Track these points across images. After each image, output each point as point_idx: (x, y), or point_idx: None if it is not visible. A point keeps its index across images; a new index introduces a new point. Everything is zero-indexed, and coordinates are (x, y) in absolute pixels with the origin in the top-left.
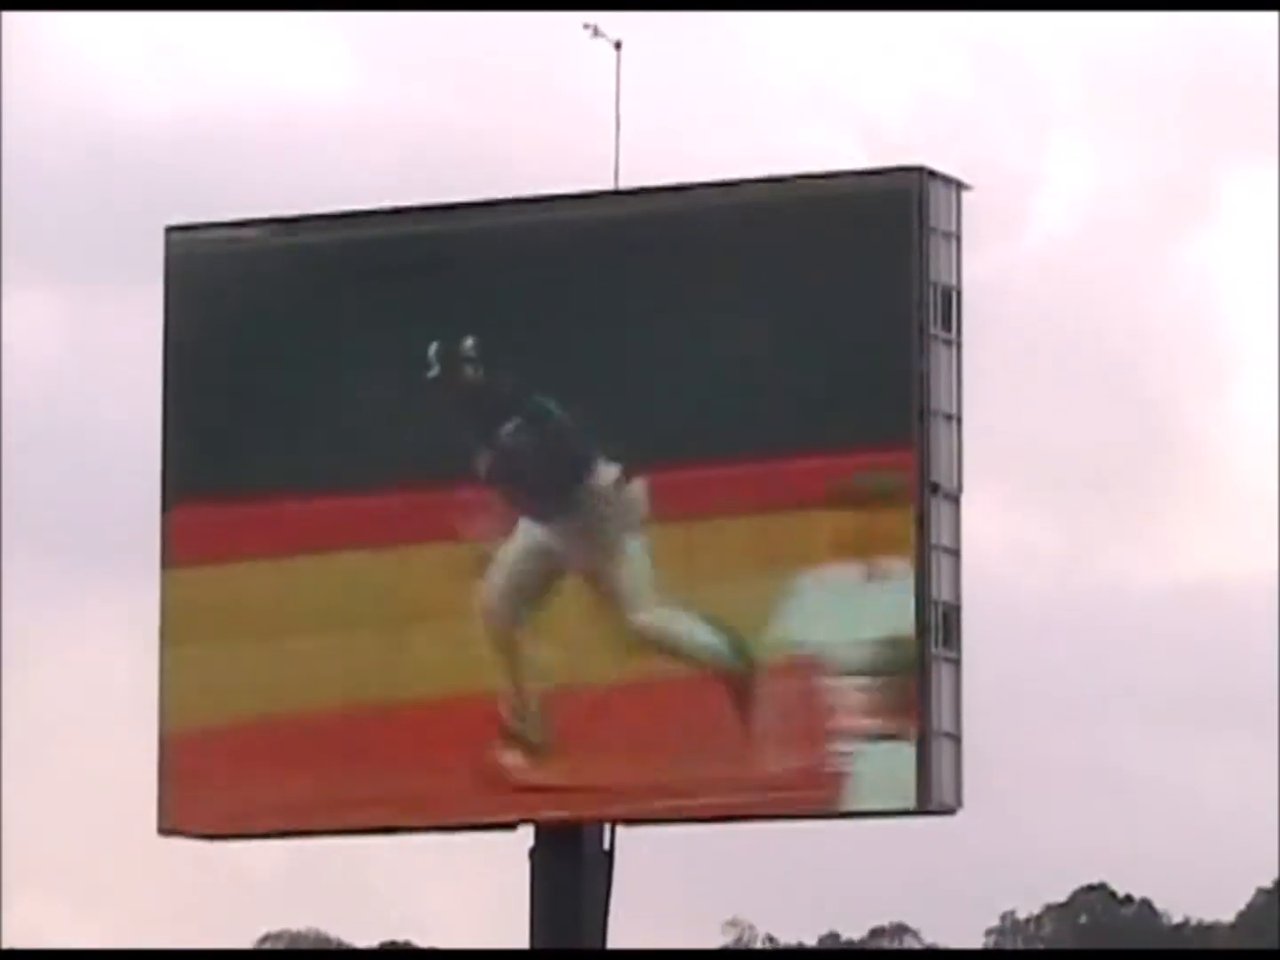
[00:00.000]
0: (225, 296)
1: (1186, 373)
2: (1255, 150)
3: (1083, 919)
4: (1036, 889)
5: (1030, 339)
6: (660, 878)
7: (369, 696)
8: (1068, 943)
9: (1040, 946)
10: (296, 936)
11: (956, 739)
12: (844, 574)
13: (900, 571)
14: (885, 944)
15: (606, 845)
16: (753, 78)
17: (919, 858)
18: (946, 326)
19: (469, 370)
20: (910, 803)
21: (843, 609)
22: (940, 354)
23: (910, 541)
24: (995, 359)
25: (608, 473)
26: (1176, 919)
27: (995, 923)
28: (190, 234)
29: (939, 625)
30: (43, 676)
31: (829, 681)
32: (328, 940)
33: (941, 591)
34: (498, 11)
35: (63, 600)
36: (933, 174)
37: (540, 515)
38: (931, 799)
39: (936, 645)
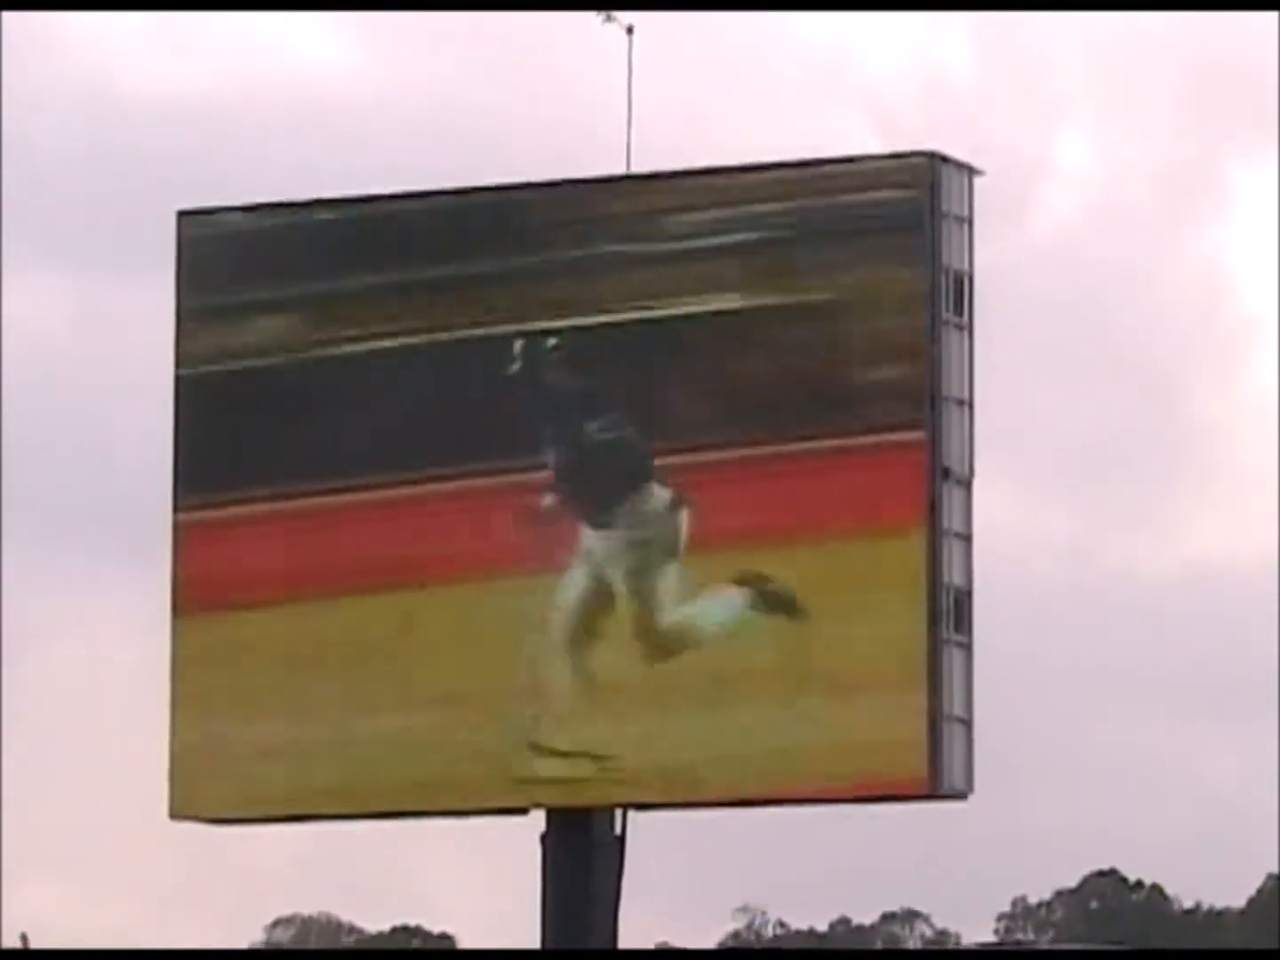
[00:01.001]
0: (237, 281)
1: (1195, 358)
2: (1263, 137)
3: (1093, 904)
4: (1047, 874)
5: (1040, 325)
6: (672, 862)
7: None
8: (1078, 928)
9: (1050, 932)
10: (308, 921)
11: (967, 724)
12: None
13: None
14: (896, 930)
15: (618, 830)
16: (764, 63)
17: (930, 843)
18: (958, 311)
19: (549, 368)
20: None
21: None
22: (952, 339)
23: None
24: (1005, 345)
25: (661, 495)
26: (1187, 904)
27: (1006, 908)
28: (202, 218)
29: (950, 610)
30: (51, 661)
31: None
32: (339, 925)
33: (953, 576)
34: None
35: (71, 585)
36: (945, 159)
37: (599, 523)
38: (942, 784)
39: (948, 630)
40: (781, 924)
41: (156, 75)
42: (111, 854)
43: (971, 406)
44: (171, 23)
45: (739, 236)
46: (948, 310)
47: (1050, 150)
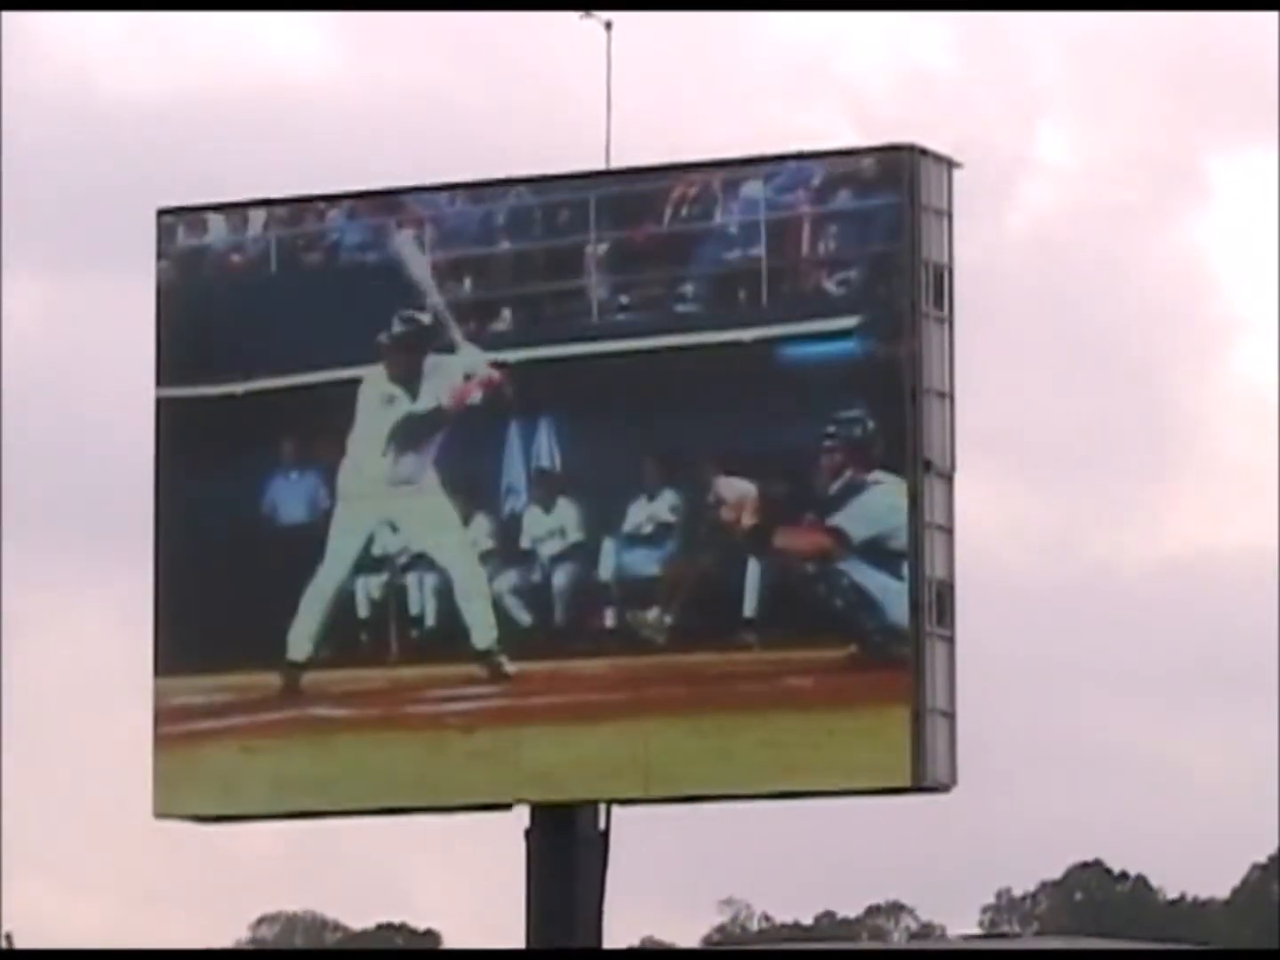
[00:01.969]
0: (219, 279)
1: (1176, 351)
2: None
3: (1078, 896)
4: (1032, 866)
5: (1020, 318)
6: (656, 857)
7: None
8: (1063, 920)
9: (1035, 924)
10: (292, 918)
11: (951, 716)
12: None
13: None
14: (881, 922)
15: (602, 825)
16: (743, 57)
17: (914, 836)
18: (939, 304)
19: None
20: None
21: None
22: (932, 332)
23: None
24: (986, 338)
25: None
26: (1172, 895)
27: (991, 900)
28: (182, 216)
29: (933, 603)
30: (37, 661)
31: None
32: (324, 922)
33: (935, 569)
34: None
35: (57, 585)
36: (924, 152)
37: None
38: (926, 777)
39: (930, 623)
40: (766, 917)
41: (137, 75)
42: (96, 852)
43: (952, 399)
44: (152, 23)
45: (718, 233)
46: (928, 303)
47: (1030, 144)
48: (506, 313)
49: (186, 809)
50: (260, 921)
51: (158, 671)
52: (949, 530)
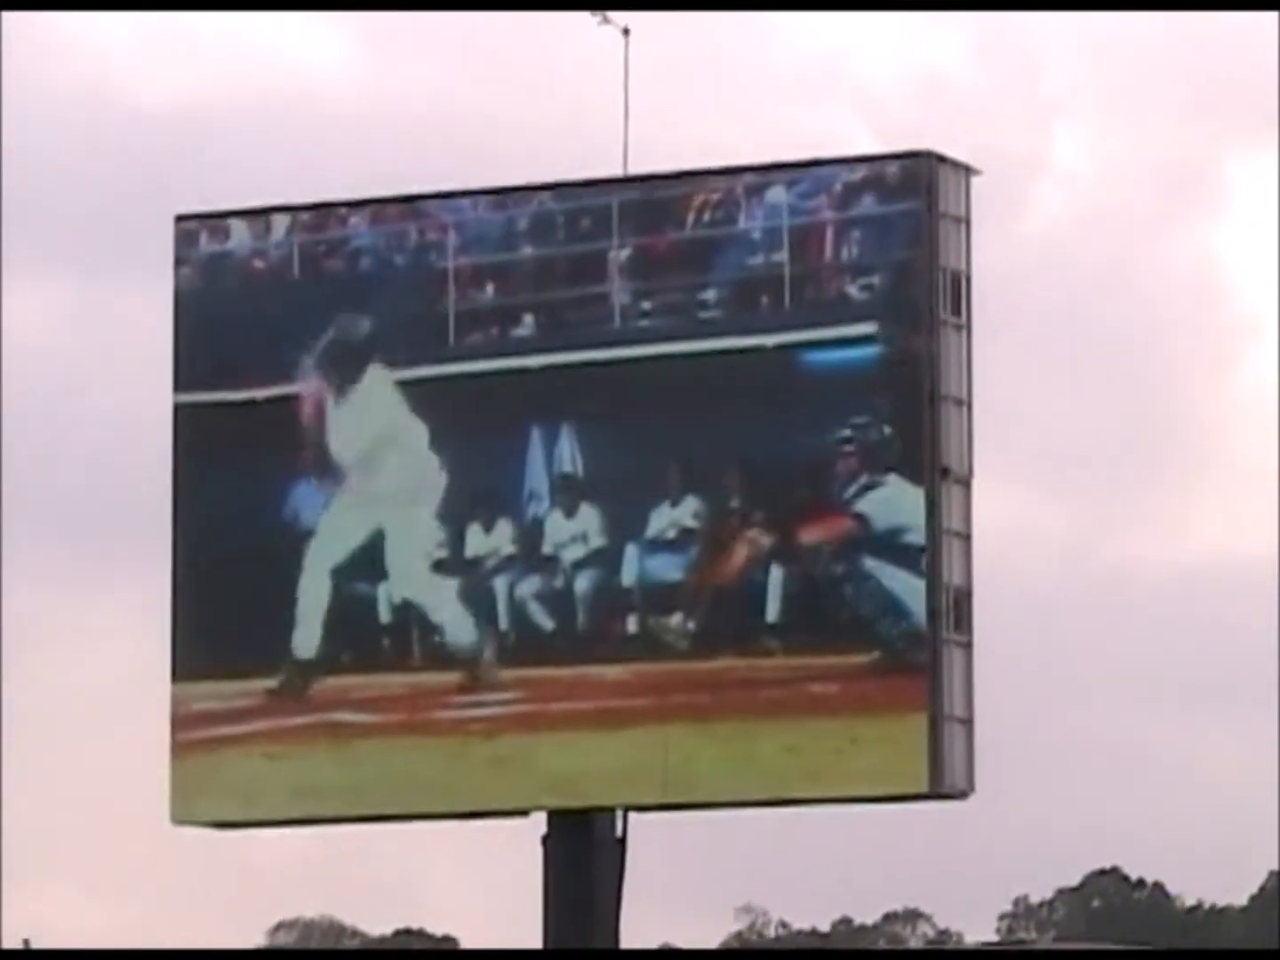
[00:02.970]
0: (236, 286)
1: (1192, 355)
2: (1259, 135)
3: (1095, 903)
4: (1049, 873)
5: (1038, 324)
6: (673, 864)
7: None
8: (1080, 927)
9: (1053, 931)
10: (310, 924)
11: (968, 723)
12: None
13: None
14: (899, 929)
15: (619, 831)
16: (761, 63)
17: (931, 842)
18: (956, 311)
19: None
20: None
21: None
22: (950, 339)
23: None
24: (1004, 344)
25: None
26: (1189, 903)
27: (1008, 907)
28: (199, 222)
29: (950, 609)
30: (54, 665)
31: None
32: (341, 928)
33: (953, 575)
34: None
35: (72, 589)
36: (942, 159)
37: None
38: (943, 783)
39: (948, 629)
40: (784, 924)
41: (154, 79)
42: (113, 858)
43: (970, 406)
44: (169, 26)
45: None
46: (945, 310)
47: (1047, 149)
48: (529, 319)
49: (204, 815)
50: (278, 928)
51: (175, 677)
52: (967, 537)
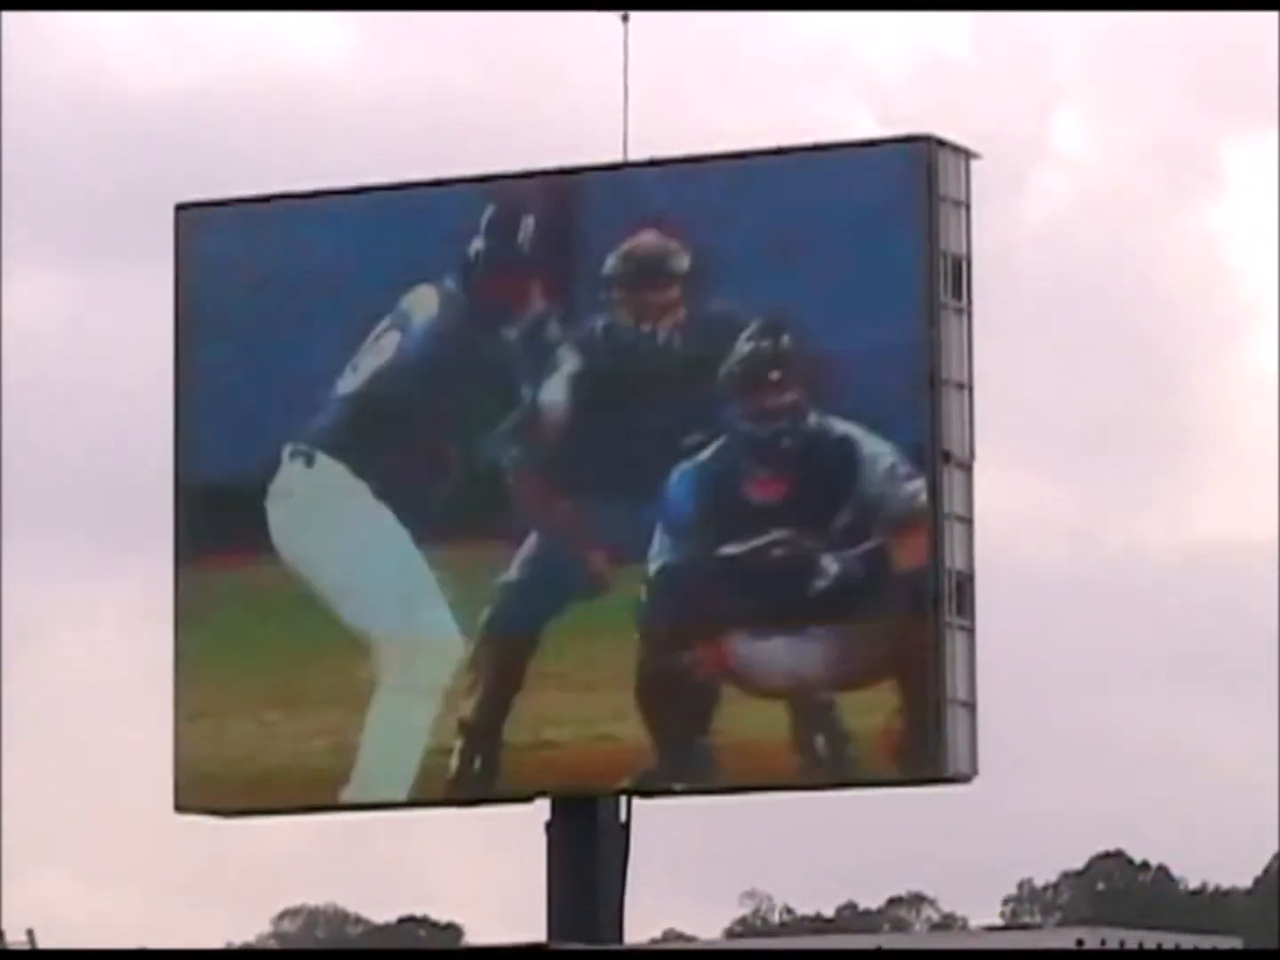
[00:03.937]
0: (236, 273)
1: (1194, 339)
2: (1259, 119)
3: (1100, 886)
4: (1053, 856)
5: (1038, 308)
6: (677, 849)
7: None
8: (1084, 910)
9: (1058, 914)
10: (315, 912)
11: (971, 707)
12: None
13: None
14: (903, 913)
15: (623, 817)
16: (760, 48)
17: (935, 826)
18: (957, 295)
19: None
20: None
21: None
22: (951, 322)
23: None
24: (1004, 328)
25: None
26: (1193, 885)
27: (1012, 891)
28: (200, 211)
29: (953, 593)
30: (55, 654)
31: None
32: (345, 915)
33: (955, 560)
34: None
35: (76, 579)
36: (941, 143)
37: None
38: (947, 767)
39: (950, 613)
40: (788, 909)
41: (153, 71)
42: (118, 846)
43: (971, 390)
44: (168, 19)
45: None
46: (946, 294)
47: (1046, 133)
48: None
49: (207, 803)
50: (283, 915)
51: (178, 666)
52: (969, 521)
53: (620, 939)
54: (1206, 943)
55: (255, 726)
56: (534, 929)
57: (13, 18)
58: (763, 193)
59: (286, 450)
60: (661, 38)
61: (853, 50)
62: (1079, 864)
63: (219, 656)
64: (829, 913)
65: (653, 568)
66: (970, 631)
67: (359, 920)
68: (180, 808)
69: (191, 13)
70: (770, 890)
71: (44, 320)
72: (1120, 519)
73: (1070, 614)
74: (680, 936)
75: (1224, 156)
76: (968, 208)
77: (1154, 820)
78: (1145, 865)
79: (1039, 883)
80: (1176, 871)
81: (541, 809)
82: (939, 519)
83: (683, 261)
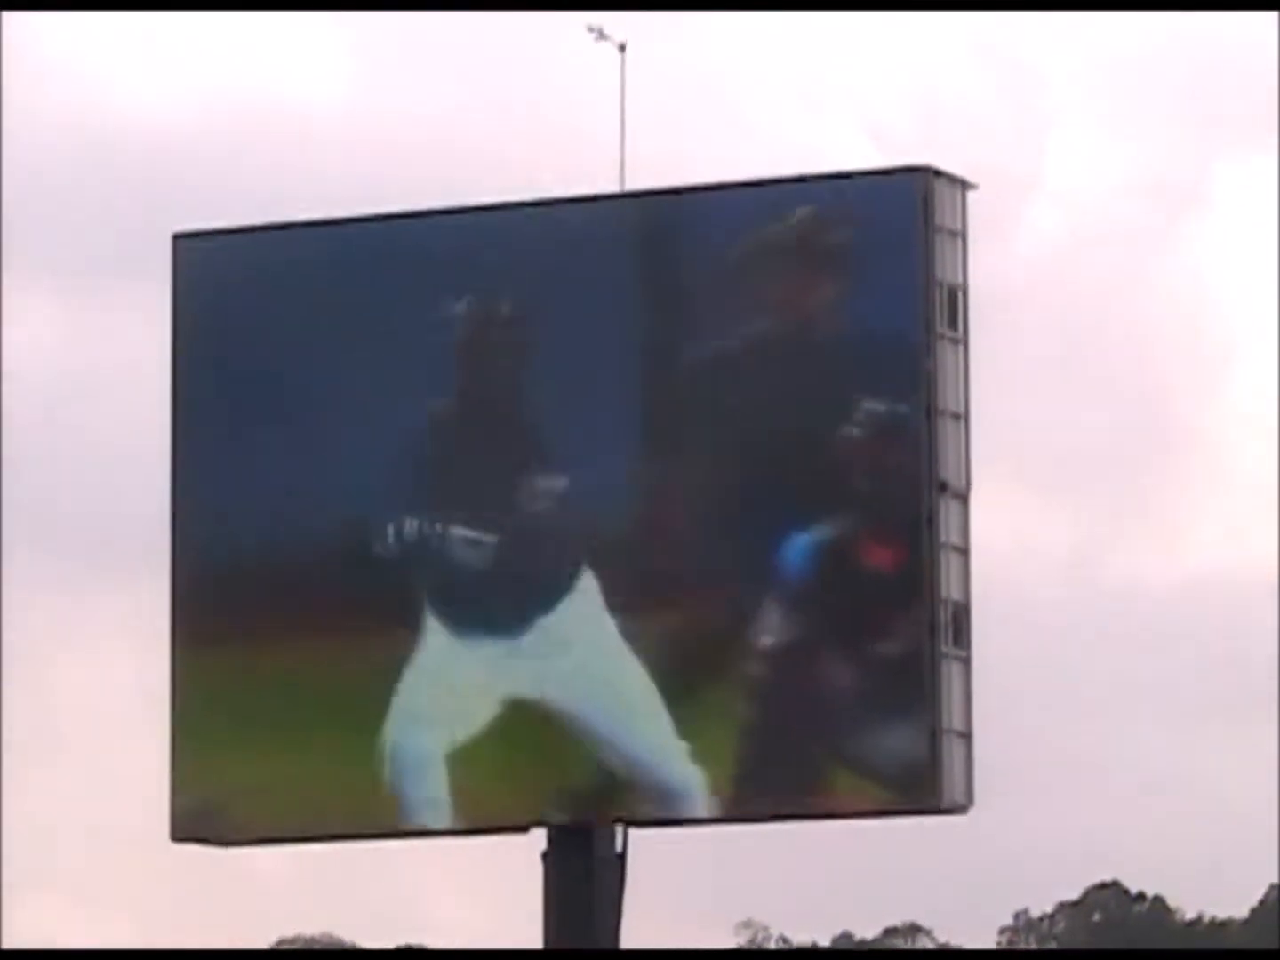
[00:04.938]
0: (234, 303)
1: (1188, 370)
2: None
3: (1096, 916)
4: (1049, 887)
5: (1034, 338)
6: (674, 879)
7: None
8: (1081, 940)
9: (1053, 944)
10: (310, 941)
11: (967, 737)
12: None
13: None
14: (899, 943)
15: (619, 847)
16: (757, 79)
17: (931, 857)
18: (953, 325)
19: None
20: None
21: None
22: (947, 353)
23: None
24: (1000, 358)
25: None
26: (1189, 916)
27: (1008, 921)
28: (198, 240)
29: (948, 624)
30: (55, 680)
31: None
32: (341, 944)
33: (950, 590)
34: (501, 12)
35: (72, 603)
36: (938, 173)
37: None
38: (943, 798)
39: (946, 644)
40: (784, 939)
41: (152, 101)
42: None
43: (967, 420)
44: (165, 45)
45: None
46: (942, 324)
47: (1041, 164)
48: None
49: (203, 832)
50: (279, 944)
51: (174, 692)
52: (964, 551)
53: None
54: None
55: (254, 755)
56: None
57: (7, 47)
58: None
59: None
60: (659, 68)
61: (850, 80)
62: (1075, 894)
63: (218, 683)
64: (825, 942)
65: None
66: (966, 662)
67: (355, 950)
68: (176, 837)
69: (188, 41)
70: (766, 920)
71: (42, 348)
72: (1117, 549)
73: (1067, 644)
74: None
75: (1217, 188)
76: (963, 238)
77: (1150, 851)
78: (1141, 896)
79: (1035, 913)
80: (1172, 902)
81: (538, 838)
82: (934, 549)
83: None
